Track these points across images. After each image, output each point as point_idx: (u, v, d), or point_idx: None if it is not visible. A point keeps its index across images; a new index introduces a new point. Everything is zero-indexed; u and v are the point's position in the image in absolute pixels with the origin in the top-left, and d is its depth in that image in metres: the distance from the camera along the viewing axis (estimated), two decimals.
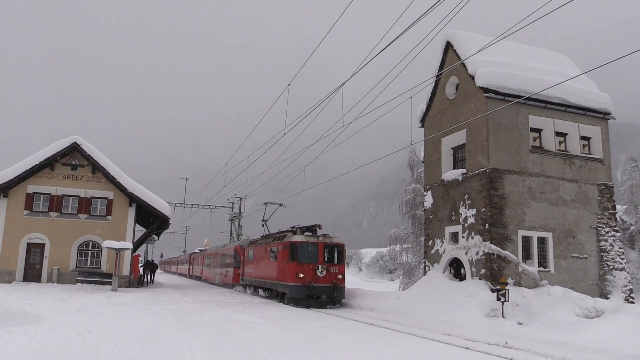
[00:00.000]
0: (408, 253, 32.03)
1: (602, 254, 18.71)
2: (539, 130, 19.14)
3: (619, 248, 19.11)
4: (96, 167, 27.48)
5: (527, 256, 17.70)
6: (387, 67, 13.07)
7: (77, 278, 26.19)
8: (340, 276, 19.78)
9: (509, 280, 16.46)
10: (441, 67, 20.44)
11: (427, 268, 20.91)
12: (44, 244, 26.71)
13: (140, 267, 34.94)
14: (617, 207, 22.63)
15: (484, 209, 17.56)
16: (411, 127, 19.00)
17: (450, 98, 20.36)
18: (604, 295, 18.05)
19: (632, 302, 17.73)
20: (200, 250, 48.82)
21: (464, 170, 19.00)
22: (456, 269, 19.47)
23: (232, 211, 47.37)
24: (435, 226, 20.68)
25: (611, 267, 18.64)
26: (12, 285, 23.90)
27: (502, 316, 14.87)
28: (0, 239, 25.88)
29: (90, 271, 26.87)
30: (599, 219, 19.09)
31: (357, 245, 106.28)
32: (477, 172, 18.20)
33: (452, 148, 20.55)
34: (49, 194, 27.23)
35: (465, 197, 18.75)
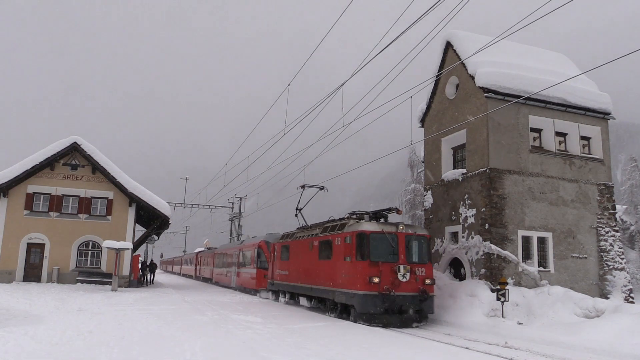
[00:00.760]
0: None
1: (602, 254, 18.71)
2: (539, 130, 19.14)
3: (619, 248, 19.11)
4: (96, 167, 27.50)
5: (527, 256, 17.70)
6: (387, 67, 13.09)
7: (77, 278, 26.24)
8: (428, 281, 14.75)
9: (509, 280, 16.46)
10: (441, 67, 20.44)
11: None
12: (44, 244, 26.73)
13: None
14: (617, 207, 22.64)
15: (484, 209, 17.56)
16: (411, 127, 19.04)
17: (450, 98, 20.37)
18: (604, 295, 18.06)
19: (632, 302, 17.74)
20: (209, 249, 45.93)
21: (464, 170, 19.00)
22: (456, 268, 19.47)
23: (232, 211, 47.41)
24: (435, 226, 20.68)
25: (611, 267, 18.64)
26: (12, 285, 23.92)
27: (502, 316, 14.87)
28: (0, 239, 25.91)
29: (90, 271, 26.91)
30: (599, 219, 19.09)
31: None
32: (477, 172, 18.20)
33: (452, 148, 20.56)
34: (49, 194, 27.24)
35: (465, 197, 18.76)
